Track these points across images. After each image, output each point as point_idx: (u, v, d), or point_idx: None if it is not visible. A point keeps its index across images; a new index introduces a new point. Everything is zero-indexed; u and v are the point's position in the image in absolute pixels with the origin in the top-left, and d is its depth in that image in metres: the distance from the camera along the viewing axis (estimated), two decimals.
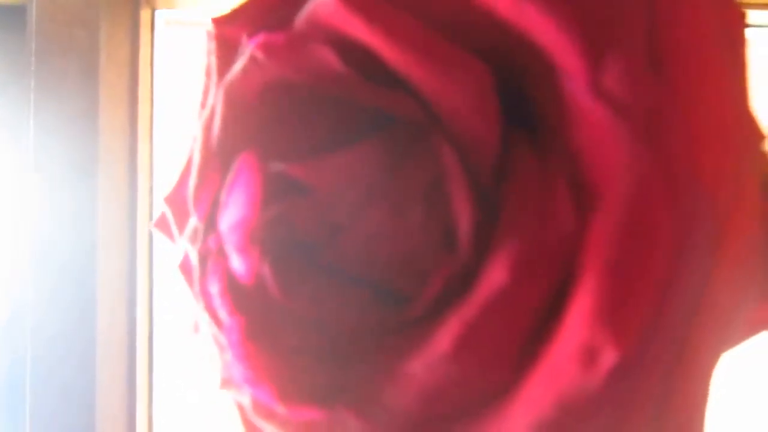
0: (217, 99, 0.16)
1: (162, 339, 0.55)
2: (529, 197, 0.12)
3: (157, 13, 0.57)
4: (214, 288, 0.15)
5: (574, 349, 0.11)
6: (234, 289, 0.16)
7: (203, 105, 0.18)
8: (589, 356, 0.10)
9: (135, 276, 0.53)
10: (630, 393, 0.11)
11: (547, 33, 0.11)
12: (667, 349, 0.11)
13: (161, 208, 0.18)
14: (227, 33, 0.17)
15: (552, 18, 0.11)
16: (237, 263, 0.16)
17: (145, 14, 0.56)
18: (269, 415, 0.15)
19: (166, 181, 0.54)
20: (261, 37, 0.15)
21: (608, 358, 0.10)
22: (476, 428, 0.12)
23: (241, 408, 0.16)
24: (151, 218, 0.53)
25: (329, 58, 0.14)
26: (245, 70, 0.15)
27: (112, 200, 0.52)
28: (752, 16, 0.57)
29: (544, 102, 0.12)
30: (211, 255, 0.16)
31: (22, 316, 0.50)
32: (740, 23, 0.11)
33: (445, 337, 0.12)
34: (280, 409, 0.15)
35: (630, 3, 0.11)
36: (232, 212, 0.16)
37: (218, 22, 0.17)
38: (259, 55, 0.15)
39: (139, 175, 0.53)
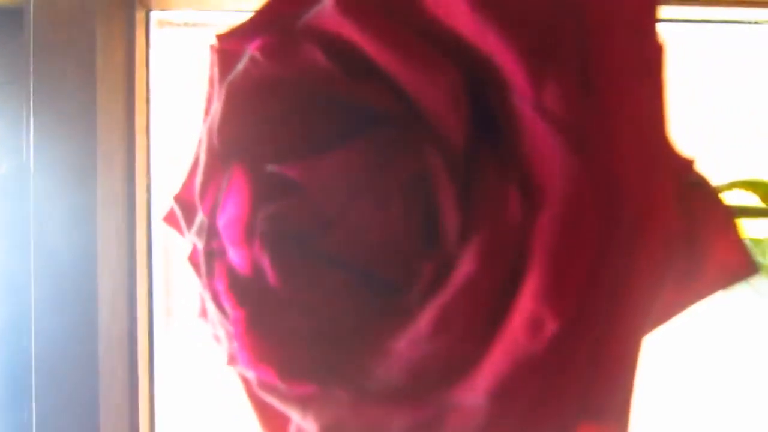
0: (219, 97, 0.17)
1: (162, 336, 0.56)
2: (489, 197, 0.14)
3: (151, 14, 0.58)
4: (220, 285, 0.17)
5: (525, 321, 0.13)
6: (236, 286, 0.17)
7: (207, 112, 0.19)
8: (536, 326, 0.13)
9: (134, 274, 0.53)
10: (567, 353, 0.13)
11: (502, 56, 0.13)
12: (597, 320, 0.13)
13: (170, 205, 0.20)
14: (228, 46, 0.18)
15: (507, 44, 0.13)
16: (233, 255, 0.18)
17: (139, 15, 0.56)
18: (271, 390, 0.17)
19: (163, 178, 0.55)
20: (259, 41, 0.17)
21: (550, 326, 0.13)
22: (452, 392, 0.14)
23: (246, 381, 0.18)
24: (149, 216, 0.54)
25: (316, 54, 0.16)
26: (245, 70, 0.17)
27: (110, 199, 0.52)
28: (752, 14, 0.59)
29: (500, 113, 0.14)
30: (216, 255, 0.18)
31: (24, 317, 0.50)
32: (659, 54, 0.13)
33: (425, 320, 0.14)
34: (281, 386, 0.17)
35: (566, 36, 0.13)
36: (228, 212, 0.18)
37: (220, 37, 0.19)
38: (258, 55, 0.16)
39: (137, 173, 0.54)
